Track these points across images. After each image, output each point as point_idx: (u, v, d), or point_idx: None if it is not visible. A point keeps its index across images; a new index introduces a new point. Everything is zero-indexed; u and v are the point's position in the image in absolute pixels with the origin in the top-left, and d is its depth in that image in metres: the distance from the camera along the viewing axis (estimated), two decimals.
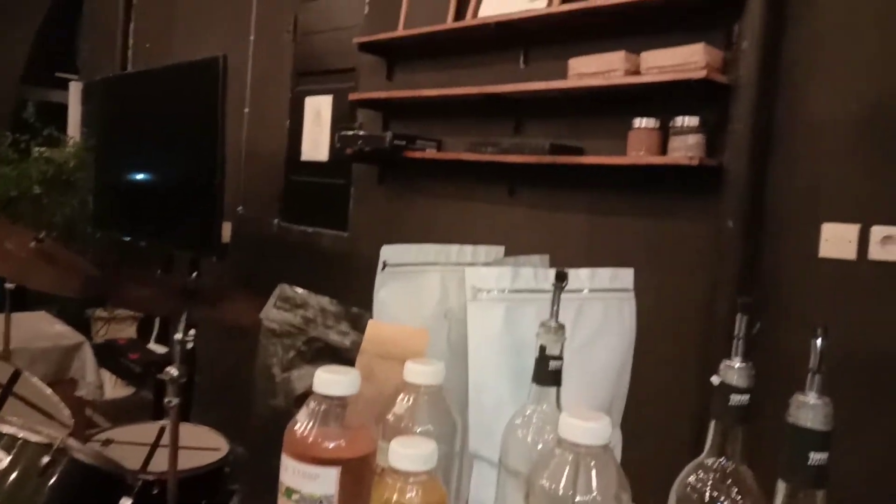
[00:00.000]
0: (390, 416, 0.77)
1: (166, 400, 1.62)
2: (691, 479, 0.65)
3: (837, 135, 1.80)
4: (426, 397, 0.77)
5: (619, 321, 0.95)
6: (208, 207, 2.78)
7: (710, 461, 0.65)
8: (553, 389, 0.75)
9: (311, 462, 0.67)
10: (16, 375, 1.98)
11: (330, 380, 0.69)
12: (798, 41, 1.87)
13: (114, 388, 3.92)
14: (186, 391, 1.80)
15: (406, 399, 0.77)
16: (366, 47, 2.93)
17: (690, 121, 1.94)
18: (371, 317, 0.94)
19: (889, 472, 1.71)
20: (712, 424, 0.66)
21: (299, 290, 1.00)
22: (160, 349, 3.84)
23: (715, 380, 0.66)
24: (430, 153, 2.69)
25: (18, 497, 1.36)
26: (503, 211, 2.54)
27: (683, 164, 1.90)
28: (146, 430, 2.09)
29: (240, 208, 3.75)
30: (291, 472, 0.68)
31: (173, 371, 1.59)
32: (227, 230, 3.66)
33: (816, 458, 0.56)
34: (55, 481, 1.38)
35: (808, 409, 0.56)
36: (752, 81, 1.85)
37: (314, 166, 3.36)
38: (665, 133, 2.00)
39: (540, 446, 0.73)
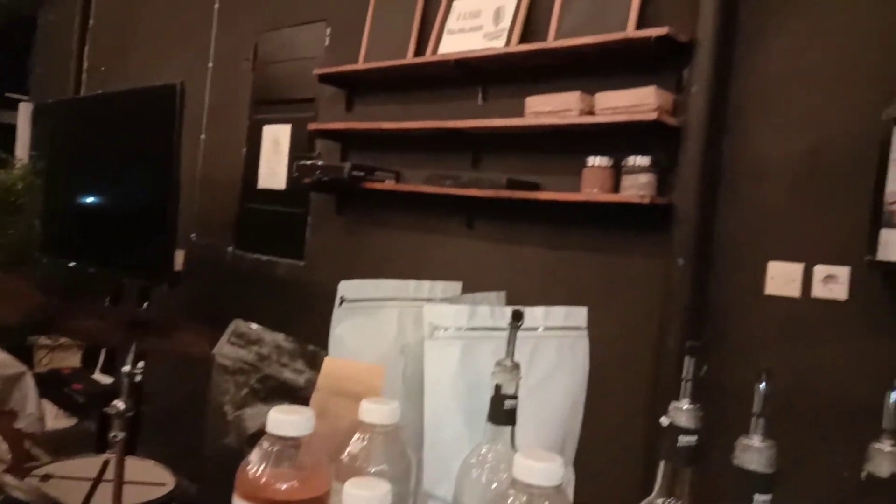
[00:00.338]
0: (345, 456, 0.76)
1: (112, 434, 1.57)
2: None
3: (781, 177, 1.88)
4: (381, 437, 0.76)
5: (573, 360, 0.97)
6: (161, 234, 2.73)
7: (659, 501, 0.66)
8: (508, 429, 0.76)
9: None
10: None
11: (283, 420, 0.69)
12: (744, 87, 1.95)
13: (55, 420, 3.78)
14: (133, 424, 1.75)
15: (361, 438, 0.77)
16: (326, 79, 2.94)
17: (642, 160, 2.00)
18: (327, 354, 0.93)
19: None
20: (661, 465, 0.67)
21: (254, 326, 0.99)
22: (106, 379, 3.72)
23: (664, 421, 0.67)
24: (389, 184, 2.70)
25: None
26: (461, 243, 2.56)
27: (635, 202, 1.95)
28: (88, 465, 2.02)
29: (193, 235, 3.70)
30: None
31: (120, 404, 1.55)
32: (179, 257, 3.60)
33: (761, 499, 0.58)
34: None
35: (753, 451, 0.58)
36: (700, 124, 1.92)
37: (271, 194, 3.34)
38: (618, 171, 2.06)
39: (494, 486, 0.73)
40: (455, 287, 1.15)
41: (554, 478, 0.64)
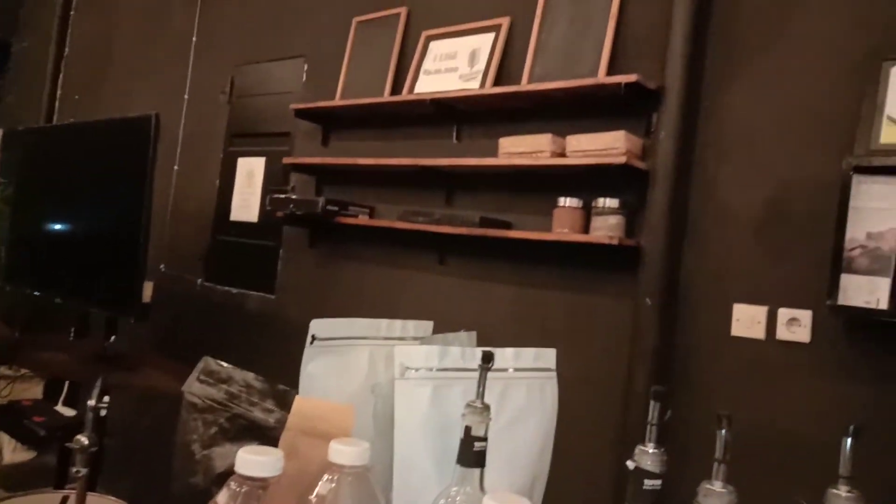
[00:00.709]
0: (313, 497, 0.76)
1: (74, 469, 1.53)
2: None
3: (746, 221, 1.93)
4: (350, 478, 0.77)
5: (542, 401, 0.98)
6: (130, 265, 2.70)
7: None
8: (477, 471, 0.76)
9: None
10: None
11: (252, 461, 0.69)
12: (710, 133, 2.01)
13: (13, 453, 3.67)
14: (96, 459, 1.71)
15: (330, 479, 0.77)
16: (303, 114, 2.97)
17: (611, 202, 2.04)
18: (297, 393, 0.93)
19: None
20: None
21: (224, 364, 0.98)
22: (68, 412, 3.63)
23: (630, 465, 0.69)
24: (363, 220, 2.71)
25: None
26: (433, 279, 2.57)
27: (604, 242, 1.99)
28: (47, 501, 1.96)
29: (162, 266, 3.66)
30: None
31: (83, 440, 1.52)
32: (148, 289, 3.55)
33: None
34: None
35: (715, 497, 0.59)
36: (668, 168, 1.97)
37: (243, 226, 3.33)
38: (588, 212, 2.10)
39: None
40: (426, 326, 1.16)
41: None
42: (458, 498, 0.76)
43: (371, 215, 2.77)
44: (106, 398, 1.59)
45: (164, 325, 3.53)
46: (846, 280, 1.67)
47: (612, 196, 2.05)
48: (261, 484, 0.69)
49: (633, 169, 1.99)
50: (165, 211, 3.66)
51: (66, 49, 4.70)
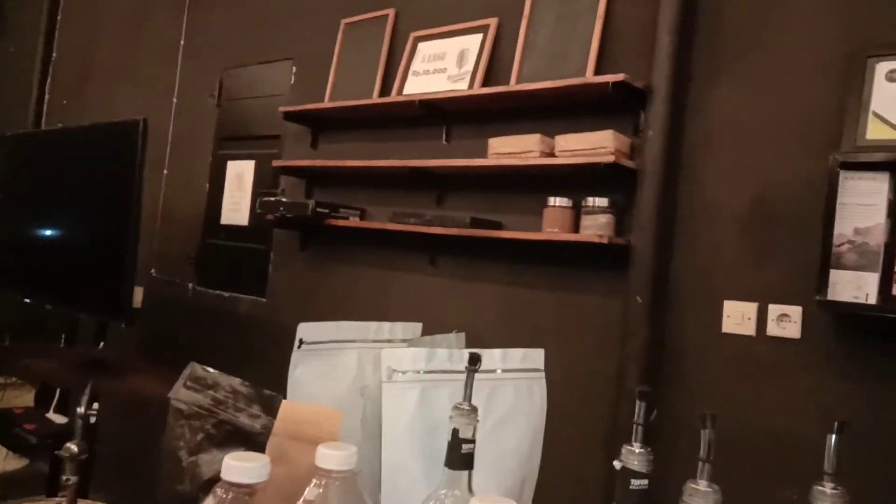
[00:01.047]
0: (301, 502, 0.76)
1: (64, 477, 1.53)
2: None
3: (734, 218, 1.94)
4: (338, 483, 0.76)
5: (530, 402, 0.98)
6: (119, 271, 2.69)
7: None
8: (465, 473, 0.76)
9: None
10: None
11: (238, 467, 0.69)
12: (698, 131, 2.02)
13: (5, 461, 3.65)
14: (86, 467, 1.70)
15: (317, 484, 0.76)
16: (291, 116, 2.96)
17: (600, 201, 2.04)
18: (284, 398, 0.93)
19: None
20: None
21: (211, 370, 0.98)
22: (59, 419, 3.61)
23: (617, 464, 0.69)
24: (354, 222, 2.71)
25: None
26: (424, 280, 2.57)
27: (594, 241, 1.99)
28: None
29: (153, 271, 3.64)
30: None
31: (73, 447, 1.51)
32: (138, 294, 3.54)
33: None
34: None
35: (700, 496, 0.59)
36: (656, 167, 1.98)
37: (233, 230, 3.32)
38: (578, 212, 2.10)
39: None
40: (415, 328, 1.16)
41: None
42: (446, 501, 0.76)
43: (362, 217, 2.77)
44: (95, 405, 1.59)
45: (155, 330, 3.52)
46: (835, 275, 1.68)
47: (601, 195, 2.05)
48: (247, 490, 0.69)
49: (622, 168, 2.00)
50: (155, 215, 3.65)
51: (54, 53, 4.67)
